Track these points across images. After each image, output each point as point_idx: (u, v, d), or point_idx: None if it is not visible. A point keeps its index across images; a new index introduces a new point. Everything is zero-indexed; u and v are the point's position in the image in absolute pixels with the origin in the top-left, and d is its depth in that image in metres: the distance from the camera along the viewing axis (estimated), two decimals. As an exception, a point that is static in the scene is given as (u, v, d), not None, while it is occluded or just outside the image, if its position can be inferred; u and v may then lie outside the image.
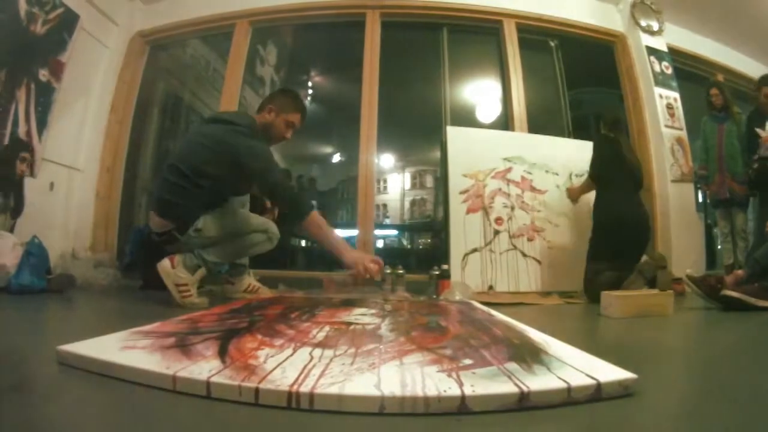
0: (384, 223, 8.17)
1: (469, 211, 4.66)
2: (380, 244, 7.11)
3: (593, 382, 1.05)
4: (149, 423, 0.90)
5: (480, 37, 5.95)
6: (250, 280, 3.62)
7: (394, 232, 8.34)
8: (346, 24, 5.93)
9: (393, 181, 8.46)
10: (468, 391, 0.96)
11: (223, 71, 5.88)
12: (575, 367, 1.20)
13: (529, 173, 4.91)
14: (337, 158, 7.95)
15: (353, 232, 5.55)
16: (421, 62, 6.25)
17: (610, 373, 1.14)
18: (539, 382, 1.05)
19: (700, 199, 5.58)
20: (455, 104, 5.74)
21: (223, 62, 5.93)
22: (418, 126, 6.54)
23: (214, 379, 1.03)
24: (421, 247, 7.65)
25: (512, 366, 1.20)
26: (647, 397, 1.07)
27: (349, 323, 2.00)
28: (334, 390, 0.97)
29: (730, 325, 2.79)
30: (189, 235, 2.97)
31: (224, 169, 2.94)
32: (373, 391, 0.96)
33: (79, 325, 2.49)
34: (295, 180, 7.52)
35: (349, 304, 2.89)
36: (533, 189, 4.87)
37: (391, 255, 6.87)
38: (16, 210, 4.12)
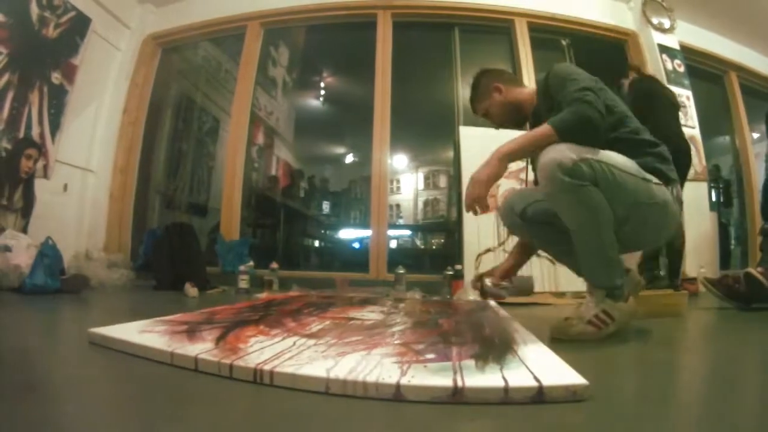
0: (397, 223, 8.25)
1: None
2: (393, 244, 7.18)
3: (535, 384, 1.09)
4: (148, 386, 1.22)
5: (492, 37, 6.02)
6: None
7: (408, 232, 8.38)
8: (358, 25, 6.04)
9: (406, 181, 8.53)
10: (404, 381, 1.10)
11: (235, 72, 6.02)
12: (530, 368, 1.24)
13: None
14: (349, 158, 8.08)
15: (366, 232, 5.65)
16: (433, 62, 6.35)
17: (559, 377, 1.17)
18: (479, 379, 1.13)
19: (713, 198, 5.57)
20: (468, 104, 5.72)
21: (235, 64, 6.08)
22: (431, 126, 6.62)
23: (201, 356, 1.32)
24: (434, 247, 7.69)
25: (467, 363, 1.31)
26: (594, 404, 1.08)
27: (351, 319, 2.20)
28: (290, 370, 1.19)
29: (742, 326, 2.81)
30: None
31: None
32: (321, 374, 1.16)
33: (97, 319, 2.70)
34: (307, 180, 7.67)
35: (366, 302, 3.09)
36: None
37: (405, 255, 6.97)
38: (27, 209, 4.26)
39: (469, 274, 4.37)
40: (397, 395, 1.08)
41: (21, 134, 4.46)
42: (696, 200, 5.32)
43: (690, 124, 5.48)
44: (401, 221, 8.42)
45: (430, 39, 6.30)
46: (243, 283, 4.36)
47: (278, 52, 6.56)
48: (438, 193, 8.38)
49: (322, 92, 7.62)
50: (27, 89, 4.56)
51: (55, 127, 4.89)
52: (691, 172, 5.19)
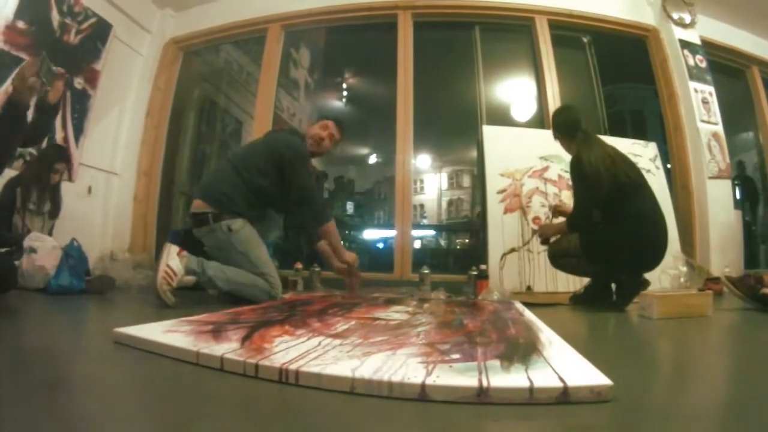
0: (421, 223, 8.24)
1: (506, 210, 4.70)
2: (417, 244, 7.18)
3: (560, 385, 1.10)
4: (174, 385, 1.26)
5: (512, 35, 6.01)
6: None
7: (432, 232, 8.36)
8: (378, 25, 6.05)
9: (430, 181, 8.53)
10: (429, 381, 1.12)
11: (257, 75, 6.06)
12: (555, 369, 1.26)
13: (566, 171, 4.86)
14: (373, 159, 8.10)
15: (391, 233, 5.67)
16: (454, 62, 6.35)
17: (584, 378, 1.18)
18: (504, 380, 1.15)
19: (738, 196, 5.50)
20: (490, 103, 5.80)
21: (257, 66, 6.12)
22: (454, 125, 6.62)
23: (227, 356, 1.34)
24: (458, 247, 7.67)
25: (492, 363, 1.32)
26: (619, 405, 1.08)
27: (376, 319, 2.23)
28: (315, 369, 1.21)
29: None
30: (219, 227, 3.21)
31: (270, 165, 3.35)
32: (347, 373, 1.18)
33: (122, 319, 2.75)
34: (333, 181, 7.69)
35: (391, 302, 3.14)
36: (570, 188, 4.85)
37: (429, 255, 6.97)
38: (54, 213, 4.32)
39: (493, 274, 4.36)
40: (422, 395, 1.09)
41: (45, 139, 4.50)
42: (720, 198, 5.23)
43: (713, 120, 5.41)
44: (425, 221, 8.42)
45: (451, 38, 6.28)
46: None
47: (299, 54, 6.58)
48: (462, 193, 8.37)
49: (345, 93, 7.64)
50: (51, 94, 4.61)
51: (79, 131, 4.98)
52: (714, 170, 5.15)
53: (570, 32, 5.94)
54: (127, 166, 5.76)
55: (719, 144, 5.33)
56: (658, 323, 2.73)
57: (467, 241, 7.33)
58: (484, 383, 1.10)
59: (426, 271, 4.47)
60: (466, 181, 8.27)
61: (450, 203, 8.50)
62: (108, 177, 5.49)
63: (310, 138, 3.68)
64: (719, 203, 5.22)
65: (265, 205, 3.52)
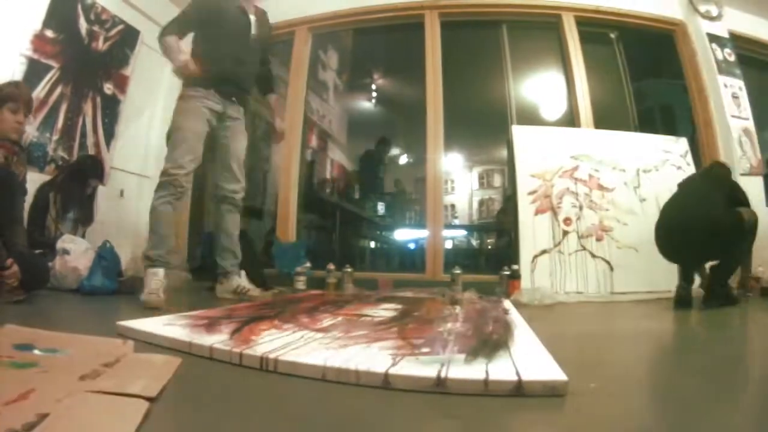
0: (452, 223, 8.28)
1: (537, 211, 4.75)
2: (449, 244, 7.22)
3: (515, 378, 1.20)
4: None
5: (540, 33, 6.03)
6: (239, 281, 3.85)
7: (463, 232, 8.37)
8: (405, 26, 6.13)
9: (460, 180, 8.57)
10: (392, 370, 1.26)
11: (286, 77, 6.19)
12: (515, 363, 1.36)
13: (596, 171, 4.93)
14: (403, 159, 8.17)
15: (423, 233, 5.74)
16: (482, 60, 6.41)
17: (540, 373, 1.28)
18: (462, 372, 1.26)
19: None
20: (519, 101, 5.86)
21: (285, 69, 6.24)
22: (484, 124, 6.65)
23: (215, 345, 1.54)
24: (489, 247, 7.68)
25: (457, 356, 1.44)
26: (570, 400, 1.16)
27: (363, 315, 2.36)
28: (291, 358, 1.39)
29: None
30: None
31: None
32: (319, 362, 1.34)
33: (147, 315, 2.91)
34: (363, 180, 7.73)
35: (383, 300, 3.24)
36: (601, 187, 4.89)
37: (461, 256, 7.03)
38: (86, 221, 4.53)
39: (525, 276, 4.43)
40: (385, 383, 1.24)
41: (76, 143, 4.77)
42: (752, 196, 4.95)
43: (743, 115, 5.34)
44: (456, 221, 8.46)
45: (478, 37, 6.35)
46: (300, 284, 4.57)
47: (327, 56, 6.72)
48: (493, 193, 8.40)
49: (374, 94, 7.72)
50: (80, 100, 4.85)
51: (110, 135, 5.19)
52: (746, 166, 5.09)
53: (597, 28, 5.93)
54: (158, 169, 5.87)
55: (750, 140, 5.26)
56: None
57: (498, 240, 7.34)
58: (443, 374, 1.22)
59: (457, 272, 4.55)
60: (497, 180, 8.29)
61: (481, 203, 8.53)
62: (140, 180, 5.67)
63: None
64: (751, 201, 5.04)
65: None
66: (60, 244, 3.80)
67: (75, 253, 3.78)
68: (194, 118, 3.57)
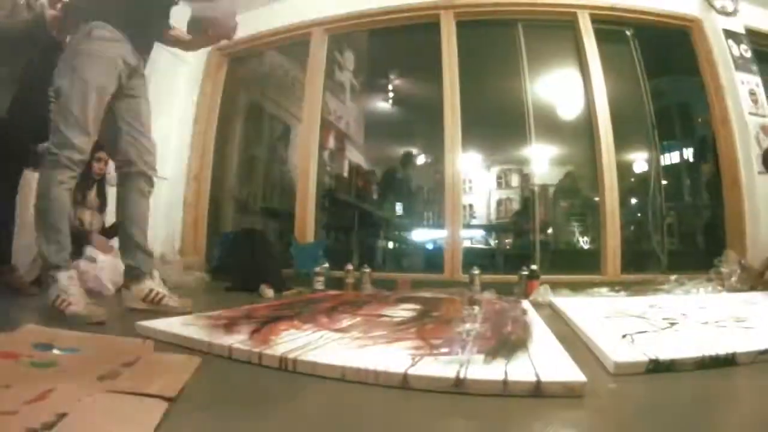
0: (471, 223, 8.23)
1: None
2: (467, 244, 7.17)
3: (533, 379, 1.20)
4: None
5: (556, 31, 5.99)
6: (152, 284, 2.99)
7: (481, 232, 8.32)
8: (421, 26, 6.09)
9: (478, 181, 8.50)
10: (411, 371, 1.26)
11: (303, 79, 6.21)
12: (534, 364, 1.35)
13: None
14: (421, 159, 8.12)
15: (442, 233, 5.73)
16: (499, 60, 6.36)
17: (559, 374, 1.27)
18: (481, 372, 1.26)
19: None
20: (536, 100, 5.82)
21: (302, 70, 6.26)
22: (501, 124, 6.60)
23: (234, 345, 1.54)
24: (508, 247, 7.63)
25: (476, 357, 1.44)
26: (588, 401, 1.16)
27: (381, 315, 2.36)
28: (310, 358, 1.39)
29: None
30: None
31: None
32: (338, 362, 1.34)
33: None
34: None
35: (401, 301, 3.23)
36: None
37: (479, 256, 6.99)
38: (102, 206, 4.51)
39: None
40: (404, 383, 1.23)
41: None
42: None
43: (761, 112, 5.26)
44: (475, 221, 8.40)
45: (494, 37, 6.29)
46: (318, 284, 4.55)
47: (344, 57, 6.70)
48: (511, 193, 8.35)
49: (391, 94, 7.70)
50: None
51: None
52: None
53: (613, 26, 5.87)
54: (176, 171, 5.99)
55: (768, 136, 5.20)
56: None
57: (516, 240, 7.29)
58: (461, 375, 1.22)
59: (476, 272, 4.55)
60: (515, 180, 8.24)
61: (499, 203, 8.48)
62: (158, 181, 5.65)
63: None
64: (770, 200, 5.05)
65: None
66: (89, 251, 3.86)
67: (102, 265, 3.84)
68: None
